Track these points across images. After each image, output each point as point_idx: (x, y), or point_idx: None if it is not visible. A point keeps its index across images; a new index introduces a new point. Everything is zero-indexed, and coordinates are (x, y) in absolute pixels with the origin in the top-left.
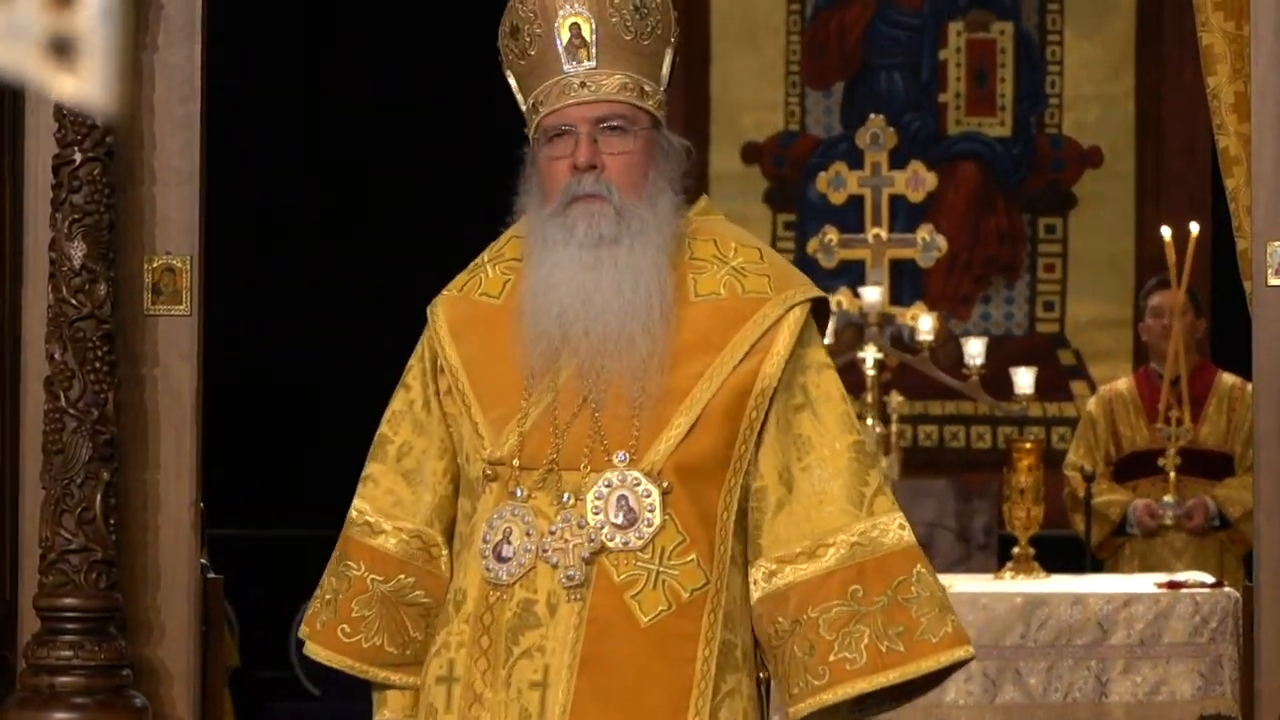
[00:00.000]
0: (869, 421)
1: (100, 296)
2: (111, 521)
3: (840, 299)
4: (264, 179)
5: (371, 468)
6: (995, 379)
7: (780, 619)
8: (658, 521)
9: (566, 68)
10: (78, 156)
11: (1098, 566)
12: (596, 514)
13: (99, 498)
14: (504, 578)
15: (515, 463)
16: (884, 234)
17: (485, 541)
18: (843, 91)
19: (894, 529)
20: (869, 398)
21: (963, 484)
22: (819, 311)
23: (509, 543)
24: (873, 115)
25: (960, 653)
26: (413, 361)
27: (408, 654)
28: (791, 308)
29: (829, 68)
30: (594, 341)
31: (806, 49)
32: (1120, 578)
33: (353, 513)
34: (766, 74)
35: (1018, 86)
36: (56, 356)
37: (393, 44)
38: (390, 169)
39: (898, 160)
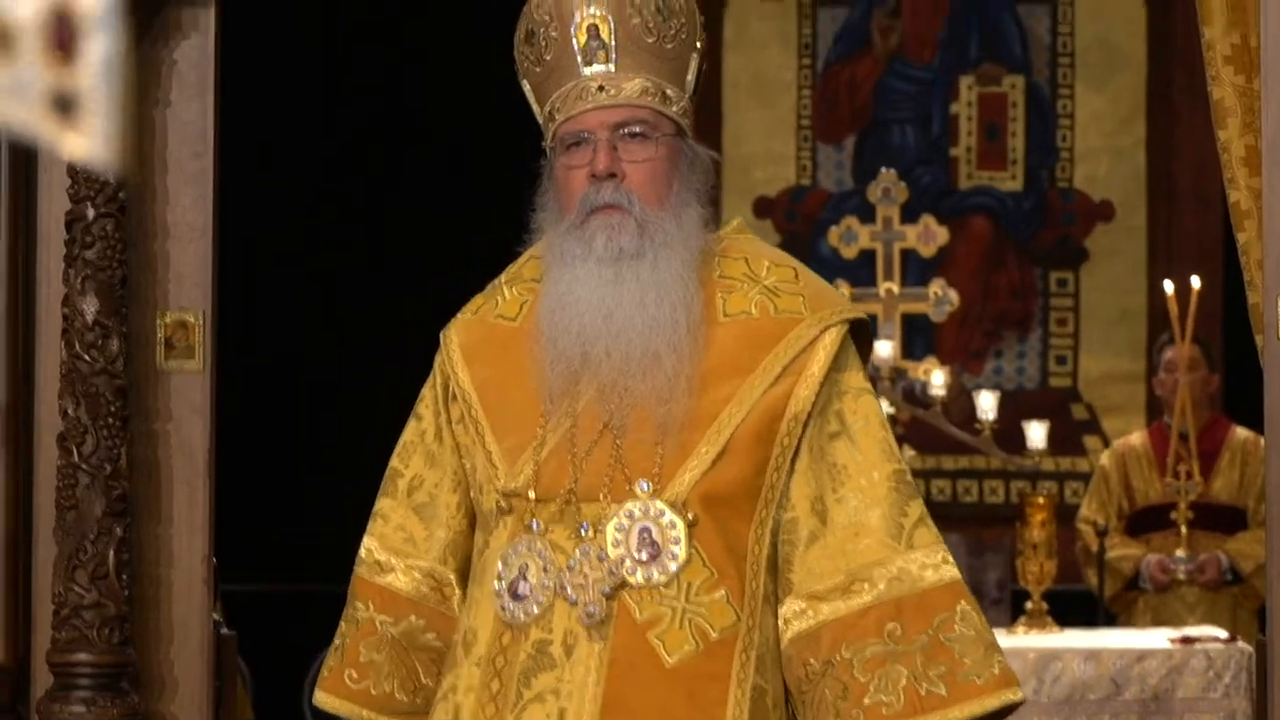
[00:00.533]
0: None
1: (113, 352)
2: (124, 577)
3: None
4: (277, 232)
5: (381, 503)
6: (1008, 433)
7: (811, 660)
8: (683, 555)
9: (584, 71)
10: (90, 212)
11: (1111, 621)
12: (617, 547)
13: (112, 553)
14: (521, 617)
15: (531, 494)
16: (896, 288)
17: (499, 579)
18: (854, 146)
19: (936, 563)
20: None
21: (976, 539)
22: (858, 335)
23: (525, 579)
24: (884, 169)
25: (1009, 695)
26: (425, 390)
27: (418, 702)
28: (828, 328)
29: (840, 122)
30: (616, 361)
31: (818, 103)
32: (1134, 633)
33: (362, 551)
34: (778, 128)
35: (1029, 140)
36: (69, 412)
37: (408, 81)
38: (404, 218)
39: (909, 214)
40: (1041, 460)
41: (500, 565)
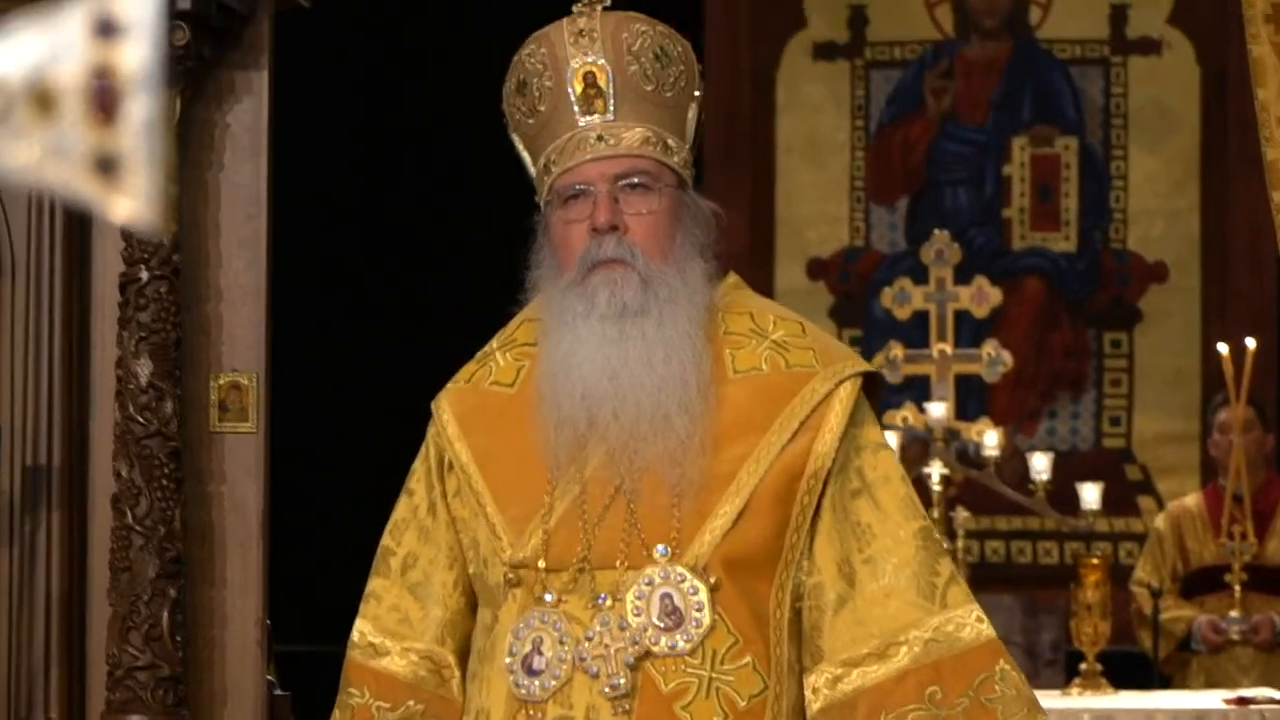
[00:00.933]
0: None
1: (167, 414)
2: (178, 638)
3: (906, 415)
4: (328, 294)
5: (374, 584)
6: (1062, 494)
7: None
8: (707, 621)
9: (582, 121)
10: (144, 275)
11: (1165, 683)
12: (638, 615)
13: (166, 615)
14: (537, 693)
15: (540, 564)
16: (949, 349)
17: (512, 654)
18: (907, 207)
19: (971, 622)
20: (935, 513)
21: (1030, 600)
22: (871, 390)
23: (540, 653)
24: (937, 230)
25: None
26: (416, 464)
27: None
28: (842, 381)
29: (893, 183)
30: (625, 424)
31: (871, 165)
32: (1189, 694)
33: (354, 634)
34: (831, 190)
35: (1082, 201)
36: (123, 474)
37: (458, 146)
38: (453, 283)
39: (962, 275)
40: (1095, 521)
41: (511, 640)
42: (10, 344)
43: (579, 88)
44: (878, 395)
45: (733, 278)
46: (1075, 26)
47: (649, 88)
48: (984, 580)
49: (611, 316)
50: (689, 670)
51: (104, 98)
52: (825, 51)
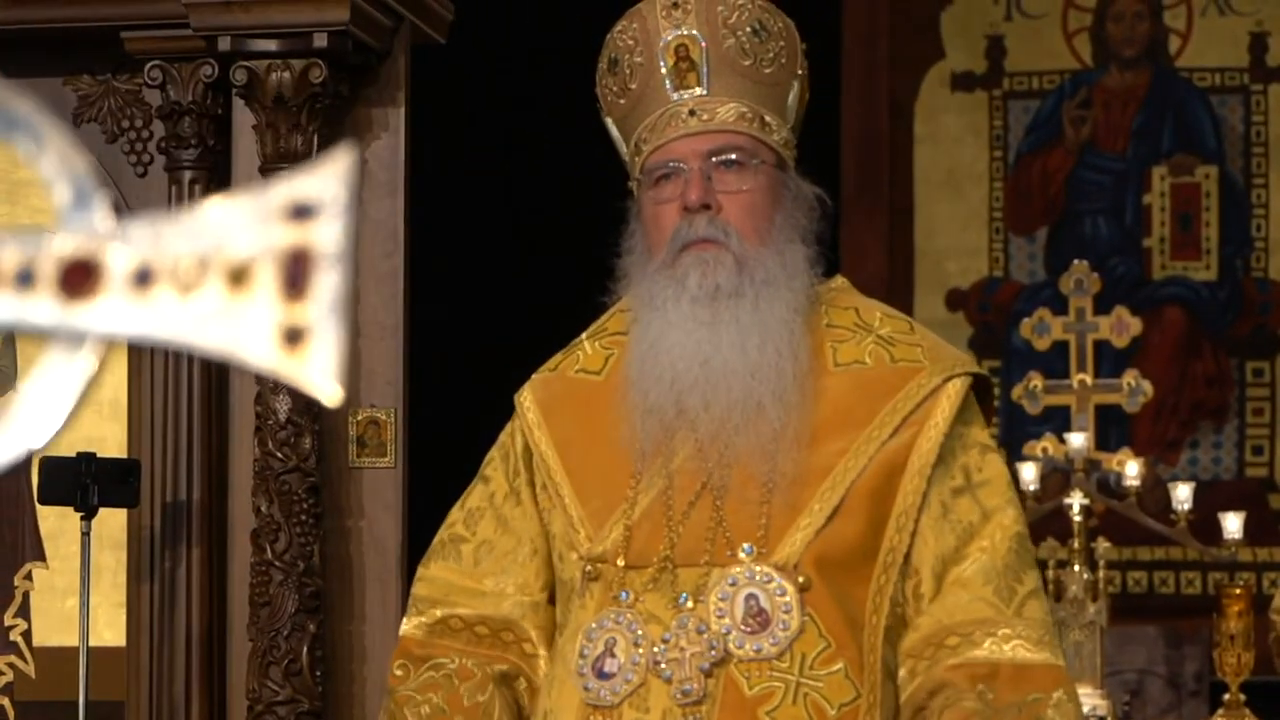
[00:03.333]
0: (1075, 568)
1: (306, 449)
2: (318, 673)
3: (1046, 445)
4: (468, 329)
5: (437, 570)
6: (1204, 524)
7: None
8: (795, 624)
9: (674, 96)
10: None
11: None
12: (721, 617)
13: (305, 649)
14: (608, 697)
15: (620, 561)
16: (1089, 379)
17: (583, 656)
18: (1046, 237)
19: (1039, 639)
20: (1076, 544)
21: (1173, 630)
22: (982, 395)
23: (613, 655)
24: (1076, 261)
25: None
26: (493, 453)
27: None
28: (951, 378)
29: (1032, 213)
30: (716, 414)
31: (1010, 195)
32: None
33: (409, 626)
34: (970, 221)
35: (1223, 230)
36: (263, 509)
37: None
38: (593, 318)
39: (1102, 305)
40: (1238, 551)
41: (583, 641)
42: (150, 381)
43: (670, 61)
44: (989, 401)
45: (840, 280)
46: (1215, 55)
47: (746, 62)
48: (1126, 611)
49: (703, 299)
50: (775, 674)
51: (295, 273)
52: (963, 82)
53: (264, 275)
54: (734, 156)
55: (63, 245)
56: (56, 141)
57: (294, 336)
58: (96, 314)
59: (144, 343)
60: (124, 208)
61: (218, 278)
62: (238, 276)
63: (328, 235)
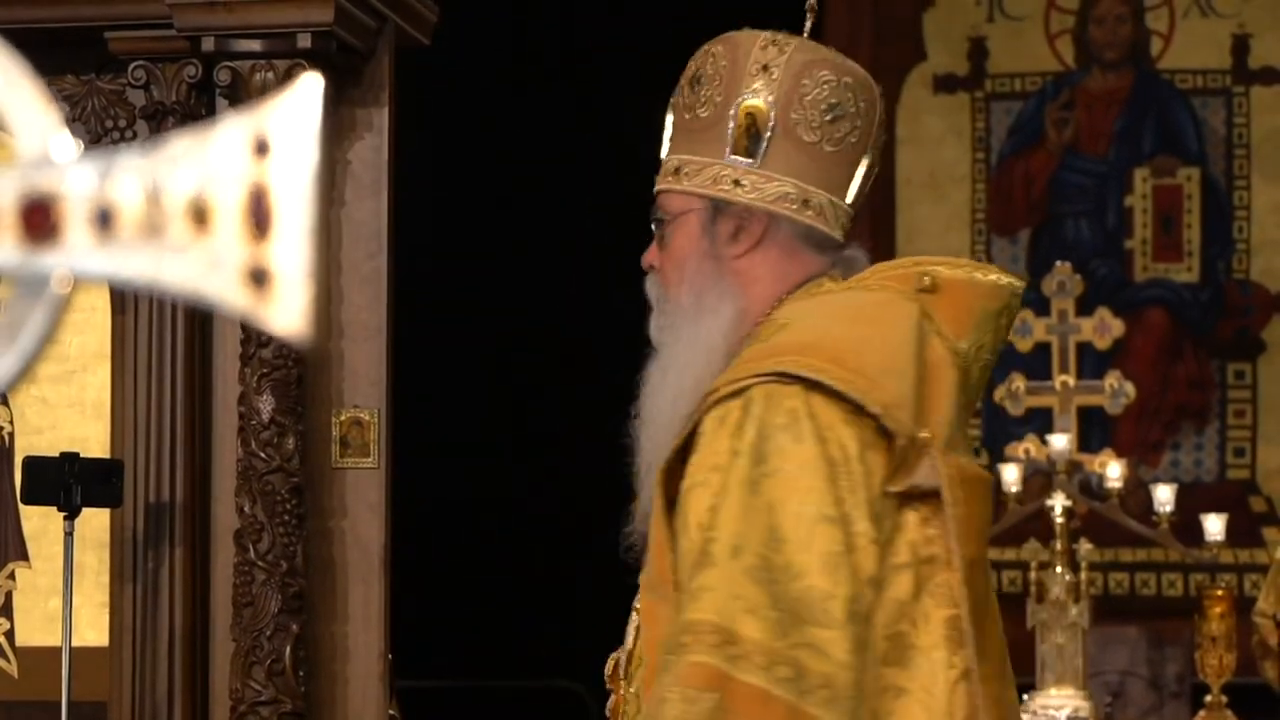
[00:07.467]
0: (1058, 570)
1: (289, 450)
2: (301, 673)
3: (1028, 447)
4: (449, 329)
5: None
6: (1186, 526)
7: None
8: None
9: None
10: None
11: None
12: None
13: (288, 649)
14: None
15: None
16: (1071, 381)
17: None
18: (1029, 239)
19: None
20: (1058, 545)
21: (1155, 632)
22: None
23: None
24: (1059, 262)
25: None
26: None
27: None
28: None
29: (1014, 215)
30: (644, 460)
31: (992, 197)
32: None
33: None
34: (952, 222)
35: (1205, 232)
36: (246, 510)
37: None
38: (578, 318)
39: (1085, 307)
40: (1220, 553)
41: None
42: (133, 381)
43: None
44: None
45: (828, 283)
46: (1197, 57)
47: (687, 116)
48: (1108, 612)
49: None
50: None
51: (259, 213)
52: (945, 84)
53: (227, 214)
54: (659, 215)
55: (23, 184)
56: (21, 85)
57: (259, 277)
58: (59, 255)
59: (111, 282)
60: None
61: (182, 218)
62: (201, 216)
63: (291, 171)
